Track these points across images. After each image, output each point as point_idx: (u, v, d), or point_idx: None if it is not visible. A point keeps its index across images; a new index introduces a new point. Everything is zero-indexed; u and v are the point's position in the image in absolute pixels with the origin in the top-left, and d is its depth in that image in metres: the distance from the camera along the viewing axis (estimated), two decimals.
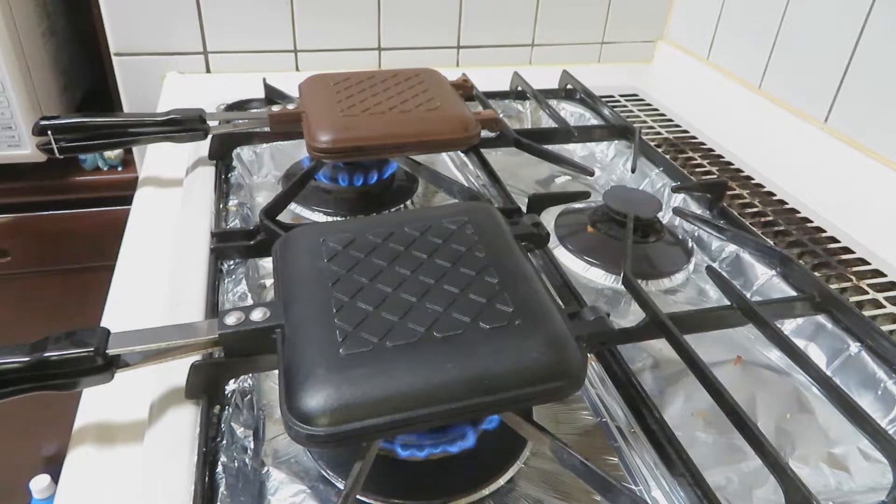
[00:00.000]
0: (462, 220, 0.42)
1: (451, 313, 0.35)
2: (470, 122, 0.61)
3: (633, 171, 0.71)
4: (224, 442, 0.38)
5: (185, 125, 0.63)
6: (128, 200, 0.64)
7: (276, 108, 0.64)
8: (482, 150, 0.71)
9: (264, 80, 0.78)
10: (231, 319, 0.36)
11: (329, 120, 0.60)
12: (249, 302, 0.49)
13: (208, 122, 0.64)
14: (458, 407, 0.31)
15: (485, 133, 0.77)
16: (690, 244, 0.61)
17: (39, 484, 1.10)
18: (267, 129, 0.63)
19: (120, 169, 0.94)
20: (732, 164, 0.78)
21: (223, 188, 0.63)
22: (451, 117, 0.61)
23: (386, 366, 0.32)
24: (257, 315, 0.36)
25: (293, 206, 0.62)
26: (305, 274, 0.38)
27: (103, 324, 0.48)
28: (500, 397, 0.32)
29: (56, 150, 0.57)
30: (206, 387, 0.39)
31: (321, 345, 0.33)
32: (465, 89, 0.70)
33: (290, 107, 0.64)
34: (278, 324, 0.35)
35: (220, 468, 0.36)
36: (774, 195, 0.72)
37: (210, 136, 0.65)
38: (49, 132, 0.55)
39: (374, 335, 0.33)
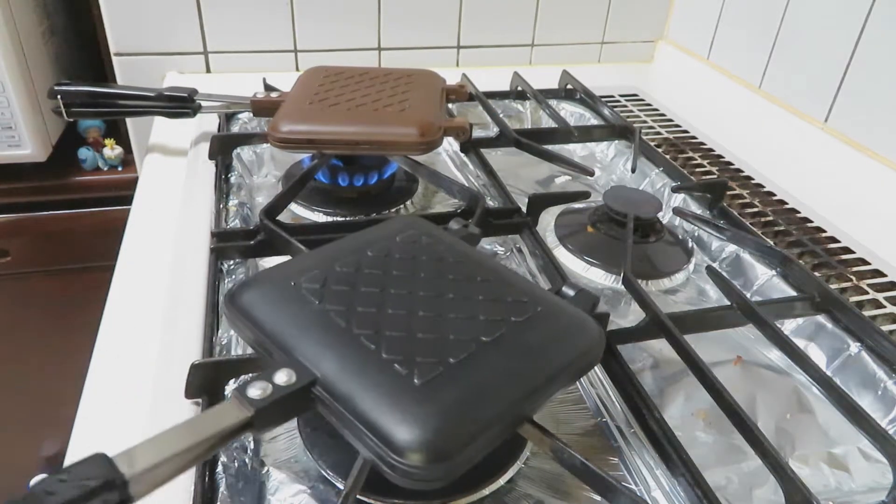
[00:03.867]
0: (414, 235, 0.42)
1: (479, 317, 0.36)
2: (428, 129, 0.59)
3: (633, 171, 0.71)
4: None
5: (176, 101, 0.68)
6: (128, 200, 0.64)
7: (260, 95, 0.67)
8: (482, 150, 0.71)
9: (264, 80, 0.79)
10: (256, 392, 0.31)
11: (293, 110, 0.61)
12: None
13: (199, 101, 0.68)
14: (542, 390, 0.34)
15: (484, 133, 0.77)
16: (690, 244, 0.61)
17: None
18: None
19: (120, 169, 0.94)
20: (732, 164, 0.78)
21: (223, 188, 0.63)
22: (412, 120, 0.59)
23: (467, 380, 0.32)
24: (281, 378, 0.32)
25: (293, 206, 0.62)
26: (305, 321, 0.35)
27: (104, 323, 0.48)
28: (564, 371, 0.35)
29: (65, 114, 0.64)
30: (206, 387, 0.39)
31: (389, 383, 0.31)
32: (458, 94, 0.70)
33: (274, 95, 0.67)
34: (312, 380, 0.32)
35: (220, 468, 0.36)
36: (774, 195, 0.72)
37: (210, 137, 0.66)
38: (59, 96, 0.63)
39: (431, 357, 0.33)
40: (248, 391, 0.31)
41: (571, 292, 0.41)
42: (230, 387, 0.41)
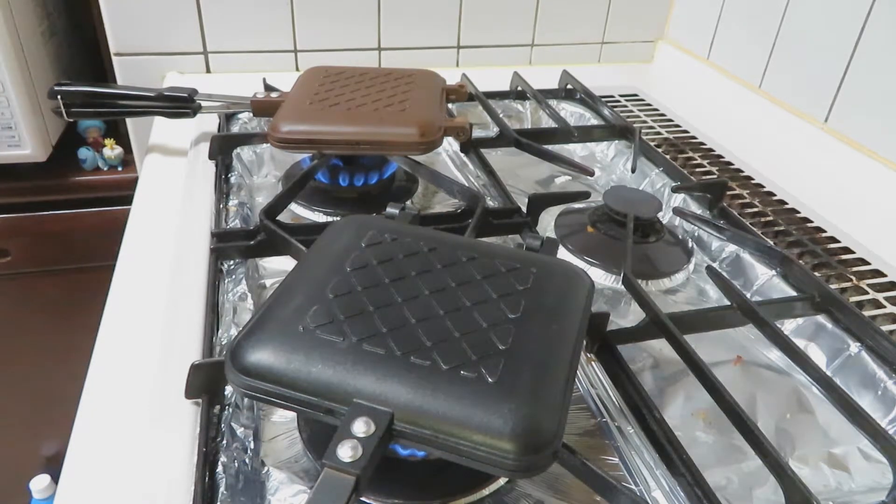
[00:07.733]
0: (375, 236, 0.41)
1: (493, 296, 0.36)
2: (429, 128, 0.59)
3: (633, 171, 0.71)
4: (224, 442, 0.38)
5: (176, 101, 0.68)
6: (128, 200, 0.64)
7: (260, 95, 0.67)
8: (482, 150, 0.71)
9: (264, 80, 0.79)
10: (348, 453, 0.29)
11: (293, 111, 0.61)
12: (249, 302, 0.49)
13: (199, 101, 0.68)
14: (580, 335, 0.36)
15: (484, 133, 0.77)
16: (690, 244, 0.61)
17: (39, 484, 1.10)
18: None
19: (120, 169, 0.94)
20: (732, 164, 0.78)
21: (223, 188, 0.63)
22: (412, 121, 0.59)
23: (528, 360, 0.33)
24: (360, 429, 0.30)
25: (293, 206, 0.62)
26: (343, 363, 0.33)
27: (104, 323, 0.48)
28: (584, 313, 0.37)
29: (65, 114, 0.64)
30: (206, 387, 0.39)
31: (468, 391, 0.31)
32: (458, 94, 0.70)
33: (274, 95, 0.67)
34: (390, 418, 0.31)
35: (220, 468, 0.36)
36: (774, 195, 0.71)
37: (210, 138, 0.66)
38: (59, 97, 0.63)
39: (484, 352, 0.33)
40: (340, 456, 0.29)
41: (537, 243, 0.44)
42: (229, 387, 0.41)
